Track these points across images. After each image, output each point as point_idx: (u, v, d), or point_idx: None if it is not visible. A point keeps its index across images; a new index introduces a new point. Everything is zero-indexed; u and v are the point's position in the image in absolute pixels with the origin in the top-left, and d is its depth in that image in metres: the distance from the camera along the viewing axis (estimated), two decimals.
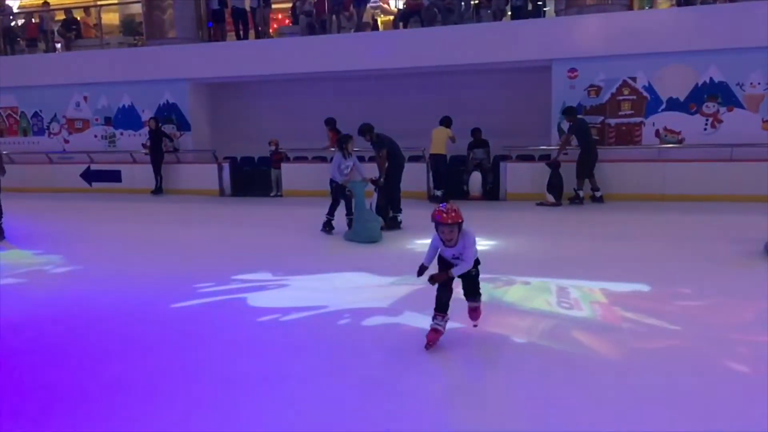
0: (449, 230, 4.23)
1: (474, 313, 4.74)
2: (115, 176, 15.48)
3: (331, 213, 9.27)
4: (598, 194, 11.39)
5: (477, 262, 4.51)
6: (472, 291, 4.63)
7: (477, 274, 4.58)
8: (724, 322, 4.98)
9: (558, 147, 11.68)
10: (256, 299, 5.96)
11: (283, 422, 3.49)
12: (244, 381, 4.07)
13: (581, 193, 11.37)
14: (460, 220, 4.22)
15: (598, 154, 11.41)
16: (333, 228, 9.21)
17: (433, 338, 4.46)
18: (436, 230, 4.32)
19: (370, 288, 6.33)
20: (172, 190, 14.78)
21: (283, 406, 3.69)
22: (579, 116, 11.65)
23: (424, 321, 5.17)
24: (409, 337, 4.78)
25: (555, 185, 11.42)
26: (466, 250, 4.33)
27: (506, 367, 4.27)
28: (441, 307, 4.44)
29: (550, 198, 11.39)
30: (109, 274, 7.12)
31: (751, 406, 3.53)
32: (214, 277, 6.77)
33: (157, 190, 14.71)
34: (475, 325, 4.76)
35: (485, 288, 5.75)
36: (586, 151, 11.27)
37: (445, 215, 4.20)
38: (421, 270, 4.47)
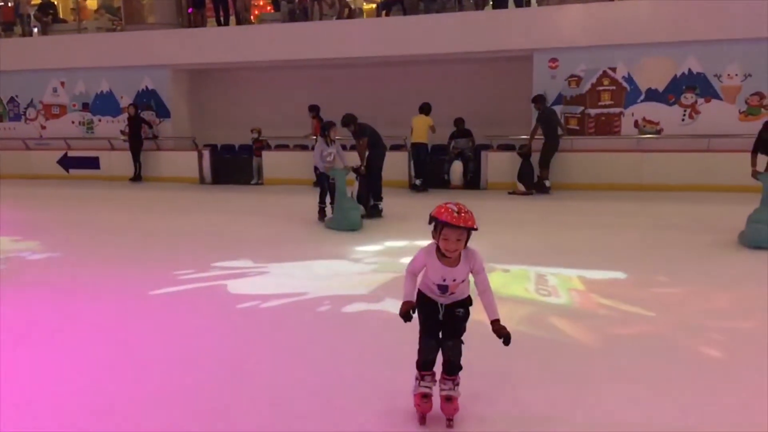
0: (457, 238, 2.98)
1: (448, 405, 3.26)
2: (93, 163, 15.30)
3: (322, 201, 9.25)
4: (546, 183, 11.50)
5: (469, 300, 3.26)
6: (452, 358, 3.23)
7: (466, 316, 3.24)
8: (698, 309, 5.07)
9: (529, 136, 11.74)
10: (236, 286, 5.94)
11: (263, 408, 3.50)
12: (222, 367, 4.06)
13: (547, 183, 11.49)
14: (475, 226, 2.96)
15: (559, 145, 11.51)
16: (326, 215, 9.18)
17: (426, 407, 3.28)
18: (435, 235, 3.06)
19: (351, 275, 6.34)
20: (151, 178, 14.64)
21: (263, 392, 3.69)
22: (548, 105, 11.77)
23: None
24: (389, 324, 4.79)
25: (525, 174, 11.57)
26: (478, 275, 3.14)
27: (484, 352, 4.28)
28: (426, 365, 3.29)
29: (521, 187, 11.55)
30: (87, 261, 7.06)
31: (724, 391, 3.61)
32: (193, 264, 6.73)
33: (136, 178, 14.58)
34: (449, 424, 3.26)
35: None
36: (548, 140, 11.38)
37: (456, 215, 2.93)
38: (408, 309, 3.12)
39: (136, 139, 14.40)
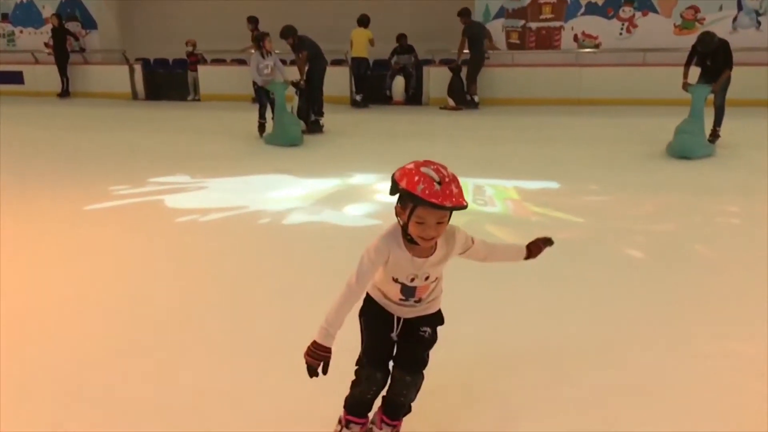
0: (438, 220, 1.92)
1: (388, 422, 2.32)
2: (16, 78, 14.51)
3: (262, 116, 9.05)
4: (476, 99, 11.60)
5: (440, 316, 2.26)
6: (405, 399, 2.25)
7: (433, 339, 2.22)
8: (624, 214, 5.31)
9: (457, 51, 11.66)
10: (174, 201, 5.87)
11: (205, 320, 3.54)
12: (159, 281, 4.05)
13: (476, 98, 11.58)
14: (464, 203, 1.88)
15: (484, 60, 11.52)
16: (266, 131, 8.99)
17: None
18: (402, 212, 1.96)
19: (291, 189, 6.34)
20: (80, 93, 14.01)
21: (201, 305, 3.71)
22: (475, 20, 11.72)
23: (344, 218, 5.30)
24: (329, 236, 4.89)
25: (456, 89, 11.62)
26: (474, 245, 2.24)
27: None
28: (361, 408, 2.28)
29: (451, 102, 11.62)
30: (16, 179, 6.80)
31: (645, 287, 3.84)
32: (129, 179, 6.59)
33: (64, 93, 13.93)
34: None
35: None
36: (474, 55, 11.37)
37: (438, 188, 1.85)
38: (320, 362, 1.99)
39: (62, 52, 13.64)
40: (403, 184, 1.90)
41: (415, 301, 2.14)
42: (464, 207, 1.89)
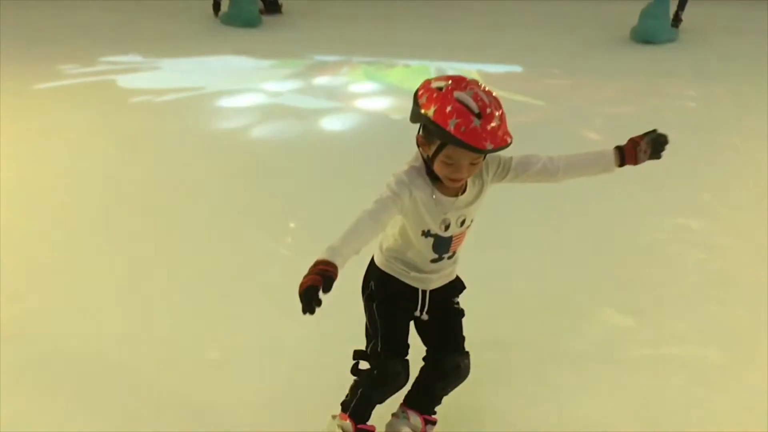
0: (471, 161, 1.55)
1: None
2: None
3: None
4: None
5: (461, 281, 1.89)
6: (451, 387, 1.91)
7: (463, 310, 1.89)
8: (585, 98, 5.36)
9: None
10: (126, 81, 5.68)
11: (155, 203, 3.50)
12: (112, 162, 3.98)
13: None
14: (509, 140, 1.53)
15: None
16: (221, 10, 8.56)
17: None
18: (425, 144, 1.58)
19: (249, 71, 6.17)
20: None
21: (154, 188, 3.67)
22: None
23: (304, 101, 5.22)
24: (288, 117, 4.85)
25: None
26: (517, 164, 1.79)
27: (381, 141, 4.40)
28: (368, 413, 1.89)
29: None
30: None
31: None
32: (78, 58, 6.30)
33: None
34: None
35: (368, 71, 5.76)
36: None
37: (477, 123, 1.45)
38: (320, 284, 1.38)
39: None
40: (430, 114, 1.46)
41: (449, 257, 1.74)
42: (509, 145, 1.49)
